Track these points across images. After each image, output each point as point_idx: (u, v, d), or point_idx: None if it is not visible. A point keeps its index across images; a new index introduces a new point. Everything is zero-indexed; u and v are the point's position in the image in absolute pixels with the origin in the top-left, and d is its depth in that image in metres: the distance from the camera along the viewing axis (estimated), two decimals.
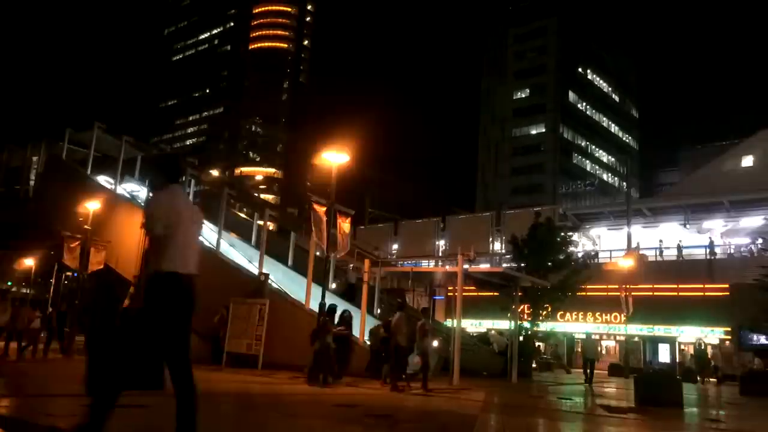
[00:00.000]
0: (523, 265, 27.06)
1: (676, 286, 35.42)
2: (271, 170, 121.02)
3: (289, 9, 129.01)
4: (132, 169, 29.93)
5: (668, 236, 43.20)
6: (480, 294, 27.08)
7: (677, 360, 35.34)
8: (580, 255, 31.86)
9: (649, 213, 45.55)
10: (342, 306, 21.22)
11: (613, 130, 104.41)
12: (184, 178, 8.51)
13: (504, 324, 28.29)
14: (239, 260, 23.36)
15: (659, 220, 45.43)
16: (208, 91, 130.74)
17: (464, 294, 17.54)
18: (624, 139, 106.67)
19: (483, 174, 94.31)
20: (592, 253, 36.90)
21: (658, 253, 40.13)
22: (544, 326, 27.78)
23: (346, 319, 15.88)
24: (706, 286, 34.97)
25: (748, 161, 47.10)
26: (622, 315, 31.43)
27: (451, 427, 8.28)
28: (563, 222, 39.39)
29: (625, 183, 65.31)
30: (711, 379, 28.06)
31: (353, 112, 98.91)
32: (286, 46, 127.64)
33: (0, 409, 7.19)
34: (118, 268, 24.40)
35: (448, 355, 17.37)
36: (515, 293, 20.92)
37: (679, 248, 39.10)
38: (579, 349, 27.35)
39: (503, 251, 45.08)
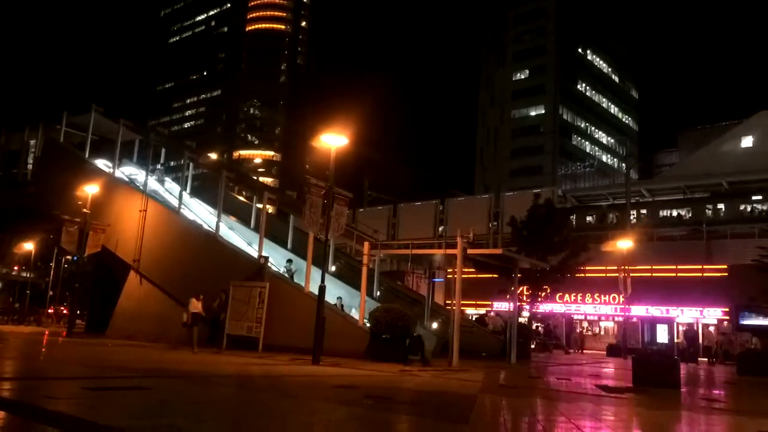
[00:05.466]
0: (522, 246, 27.13)
1: (674, 267, 35.52)
2: (270, 153, 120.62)
3: None
4: (130, 152, 29.78)
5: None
6: (480, 276, 27.14)
7: (675, 340, 35.53)
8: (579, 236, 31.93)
9: (648, 194, 45.57)
10: (339, 289, 21.33)
11: (612, 111, 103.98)
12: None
13: (503, 305, 28.35)
14: (239, 243, 23.37)
15: (658, 200, 45.49)
16: (205, 73, 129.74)
17: (464, 276, 17.57)
18: (623, 120, 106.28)
19: (482, 156, 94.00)
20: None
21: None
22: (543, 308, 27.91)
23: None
24: (705, 266, 35.09)
25: (747, 142, 47.00)
26: (621, 296, 31.57)
27: (450, 407, 8.33)
28: (563, 203, 39.41)
29: (624, 164, 65.15)
30: (702, 359, 28.32)
31: (351, 94, 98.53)
32: (283, 27, 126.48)
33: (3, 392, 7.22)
34: (118, 251, 24.39)
35: (447, 336, 17.47)
36: (514, 275, 20.99)
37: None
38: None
39: (502, 233, 45.13)
